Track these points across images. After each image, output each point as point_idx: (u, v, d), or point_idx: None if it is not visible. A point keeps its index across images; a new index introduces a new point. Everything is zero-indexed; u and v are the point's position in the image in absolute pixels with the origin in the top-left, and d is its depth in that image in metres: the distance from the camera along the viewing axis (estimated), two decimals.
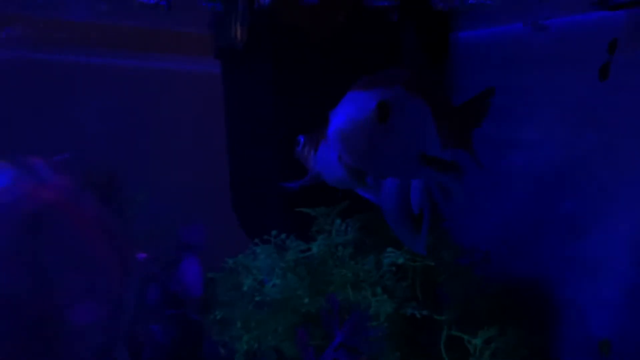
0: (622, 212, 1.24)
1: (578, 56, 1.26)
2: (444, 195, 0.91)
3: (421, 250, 0.99)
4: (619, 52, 0.98)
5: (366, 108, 0.78)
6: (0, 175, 0.74)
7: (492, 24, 1.51)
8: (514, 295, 1.33)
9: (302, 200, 1.34)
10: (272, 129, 1.51)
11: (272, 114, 1.50)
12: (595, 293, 1.27)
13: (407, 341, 1.24)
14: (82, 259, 0.67)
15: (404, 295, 1.23)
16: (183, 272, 1.50)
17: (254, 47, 1.47)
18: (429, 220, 0.95)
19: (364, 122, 0.77)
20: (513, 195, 1.46)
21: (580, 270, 1.31)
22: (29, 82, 1.64)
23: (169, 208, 1.55)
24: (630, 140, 1.18)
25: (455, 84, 1.40)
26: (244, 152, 1.63)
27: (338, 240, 1.29)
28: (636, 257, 1.22)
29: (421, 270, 1.23)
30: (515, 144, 0.93)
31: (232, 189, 1.66)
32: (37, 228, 0.67)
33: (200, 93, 1.85)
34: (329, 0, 1.37)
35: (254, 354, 1.29)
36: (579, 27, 0.99)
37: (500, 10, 0.94)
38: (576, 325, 1.30)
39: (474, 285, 1.28)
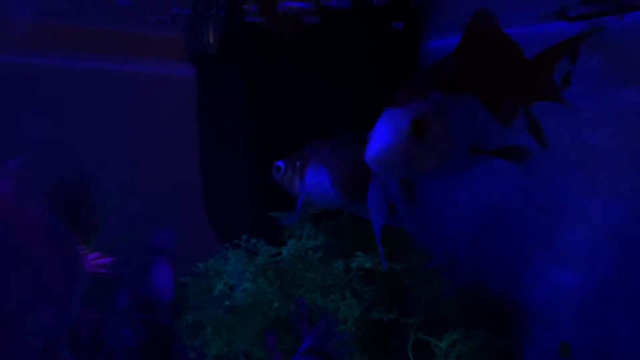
0: (584, 219, 1.26)
1: None
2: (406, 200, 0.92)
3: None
4: (578, 62, 1.01)
5: (400, 129, 0.77)
6: None
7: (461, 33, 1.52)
8: (479, 299, 1.35)
9: (273, 205, 1.34)
10: (244, 133, 1.51)
11: (244, 119, 1.51)
12: (559, 297, 1.30)
13: (375, 345, 1.25)
14: (22, 264, 0.67)
15: (372, 299, 1.24)
16: (154, 276, 1.50)
17: (228, 51, 1.48)
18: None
19: (399, 145, 0.77)
20: (478, 199, 1.48)
21: (545, 275, 1.33)
22: None
23: (140, 212, 1.54)
24: (593, 146, 1.21)
25: None
26: (216, 156, 1.63)
27: (308, 245, 1.30)
28: (599, 263, 1.25)
29: (389, 274, 1.25)
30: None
31: (204, 193, 1.66)
32: None
33: (174, 96, 1.84)
34: (304, 4, 1.38)
35: (223, 358, 1.29)
36: (540, 37, 1.02)
37: (467, 20, 0.96)
38: (539, 329, 1.33)
39: (440, 289, 1.29)
